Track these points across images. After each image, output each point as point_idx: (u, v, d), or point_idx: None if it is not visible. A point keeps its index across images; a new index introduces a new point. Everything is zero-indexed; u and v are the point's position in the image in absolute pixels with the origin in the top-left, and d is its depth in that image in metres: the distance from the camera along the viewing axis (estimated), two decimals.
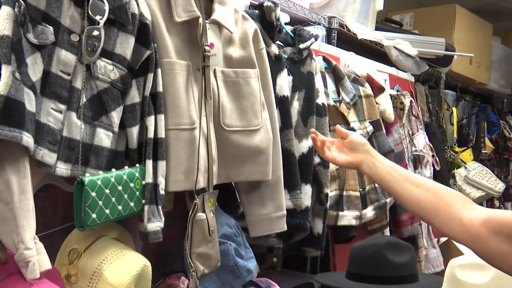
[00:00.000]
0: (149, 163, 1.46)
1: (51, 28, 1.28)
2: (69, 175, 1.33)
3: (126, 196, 1.41)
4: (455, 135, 3.71)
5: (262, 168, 1.75)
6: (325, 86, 2.24)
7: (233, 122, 1.69)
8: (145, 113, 1.48)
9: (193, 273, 1.55)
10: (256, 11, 1.95)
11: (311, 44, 2.09)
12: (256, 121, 1.73)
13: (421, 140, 2.96)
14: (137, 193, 1.44)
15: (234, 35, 1.74)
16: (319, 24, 2.51)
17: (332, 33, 2.59)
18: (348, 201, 2.26)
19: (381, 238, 1.92)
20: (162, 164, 1.48)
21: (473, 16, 3.85)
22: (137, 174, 1.44)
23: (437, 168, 3.09)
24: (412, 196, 1.26)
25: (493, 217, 1.12)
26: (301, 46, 2.05)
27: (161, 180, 1.48)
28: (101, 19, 1.35)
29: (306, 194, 1.97)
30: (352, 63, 2.57)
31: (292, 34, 2.13)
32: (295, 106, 2.00)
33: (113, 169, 1.40)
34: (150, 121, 1.47)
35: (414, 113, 2.98)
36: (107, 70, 1.39)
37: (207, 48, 1.62)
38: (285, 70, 1.97)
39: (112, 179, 1.37)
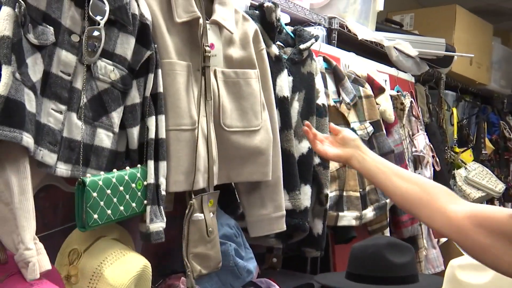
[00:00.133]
0: (151, 164, 1.46)
1: (51, 28, 1.28)
2: (69, 175, 1.33)
3: (127, 196, 1.41)
4: (455, 136, 3.71)
5: (262, 169, 1.75)
6: (326, 86, 2.24)
7: (233, 123, 1.69)
8: (145, 114, 1.48)
9: (189, 273, 1.55)
10: (257, 12, 1.95)
11: (311, 45, 2.09)
12: (256, 121, 1.73)
13: (421, 141, 2.96)
14: (139, 193, 1.44)
15: (235, 36, 1.74)
16: (319, 24, 2.51)
17: (332, 34, 2.59)
18: (348, 201, 2.26)
19: (381, 239, 1.92)
20: (163, 165, 1.48)
21: (474, 17, 3.85)
22: (138, 175, 1.44)
23: (437, 169, 3.09)
24: (400, 190, 1.28)
25: (477, 211, 1.15)
26: (302, 46, 2.05)
27: (163, 181, 1.48)
28: (101, 19, 1.35)
29: (305, 195, 1.97)
30: (353, 63, 2.58)
31: (292, 35, 2.13)
32: (295, 106, 2.00)
33: (115, 170, 1.40)
34: (151, 121, 1.47)
35: (414, 113, 2.98)
36: (107, 70, 1.39)
37: (207, 48, 1.62)
38: (285, 71, 1.97)
39: (114, 180, 1.37)
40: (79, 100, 1.34)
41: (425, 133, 3.06)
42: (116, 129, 1.42)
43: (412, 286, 1.69)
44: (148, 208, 1.44)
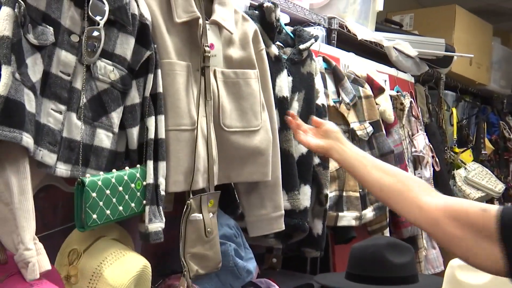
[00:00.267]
0: (150, 164, 1.46)
1: (51, 28, 1.28)
2: (69, 175, 1.33)
3: (127, 196, 1.41)
4: (455, 136, 3.71)
5: (262, 169, 1.75)
6: (325, 86, 2.24)
7: (233, 123, 1.69)
8: (145, 114, 1.48)
9: (185, 273, 1.54)
10: (256, 12, 1.95)
11: (311, 45, 2.09)
12: (256, 121, 1.73)
13: (421, 141, 2.96)
14: (138, 193, 1.44)
15: (234, 36, 1.74)
16: (319, 24, 2.51)
17: (332, 34, 2.59)
18: (348, 201, 2.26)
19: (381, 239, 1.92)
20: (162, 165, 1.48)
21: (473, 17, 3.85)
22: (138, 175, 1.44)
23: (437, 169, 3.09)
24: (377, 182, 1.30)
25: (452, 204, 1.16)
26: (301, 46, 2.05)
27: (162, 181, 1.48)
28: (101, 19, 1.35)
29: (305, 195, 1.97)
30: (352, 63, 2.57)
31: (292, 35, 2.13)
32: (295, 106, 2.00)
33: (114, 170, 1.40)
34: (151, 121, 1.47)
35: (414, 113, 2.98)
36: (107, 70, 1.39)
37: (207, 48, 1.62)
38: (285, 71, 1.97)
39: (113, 180, 1.37)
40: (79, 100, 1.34)
41: (425, 133, 3.06)
42: (116, 129, 1.42)
43: (412, 286, 1.69)
44: (147, 208, 1.44)
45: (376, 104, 2.51)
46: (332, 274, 2.25)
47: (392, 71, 2.96)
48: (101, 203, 1.34)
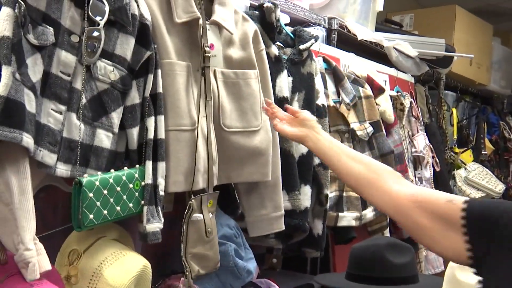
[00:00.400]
0: (149, 164, 1.46)
1: (51, 29, 1.28)
2: (69, 176, 1.33)
3: (125, 197, 1.41)
4: (455, 136, 3.71)
5: (262, 169, 1.75)
6: (325, 87, 2.24)
7: (233, 123, 1.69)
8: (145, 114, 1.48)
9: (187, 273, 1.55)
10: (256, 12, 1.95)
11: (311, 45, 2.09)
12: (256, 122, 1.73)
13: (421, 141, 2.96)
14: (136, 194, 1.44)
15: (234, 36, 1.74)
16: (319, 25, 2.51)
17: (332, 34, 2.59)
18: (348, 202, 2.26)
19: (381, 239, 1.92)
20: (162, 165, 1.48)
21: (473, 17, 3.85)
22: (136, 175, 1.44)
23: (437, 169, 3.09)
24: (349, 170, 1.34)
25: (419, 193, 1.20)
26: (301, 47, 2.05)
27: (161, 181, 1.48)
28: (101, 20, 1.35)
29: (305, 195, 1.97)
30: (352, 64, 2.57)
31: (292, 35, 2.13)
32: (295, 107, 2.00)
33: (112, 170, 1.40)
34: (150, 122, 1.47)
35: (414, 114, 2.98)
36: (107, 71, 1.39)
37: (207, 49, 1.62)
38: (285, 71, 1.97)
39: (111, 180, 1.37)
40: (79, 100, 1.34)
41: (425, 134, 3.06)
42: (116, 130, 1.42)
43: (412, 286, 1.69)
44: (145, 208, 1.44)
45: (376, 104, 2.51)
46: (332, 274, 2.25)
47: (392, 71, 2.96)
48: (98, 203, 1.34)
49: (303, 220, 1.94)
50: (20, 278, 1.20)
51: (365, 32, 2.75)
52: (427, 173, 2.97)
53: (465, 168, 3.55)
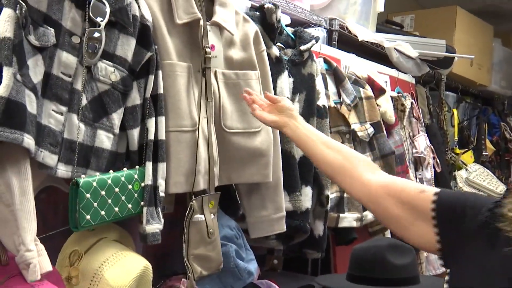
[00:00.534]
0: (149, 165, 1.46)
1: (52, 30, 1.28)
2: (70, 176, 1.33)
3: (123, 197, 1.40)
4: (456, 137, 3.71)
5: (263, 170, 1.75)
6: (326, 87, 2.24)
7: (234, 124, 1.69)
8: (145, 115, 1.48)
9: (189, 274, 1.54)
10: (257, 13, 1.95)
11: (311, 46, 2.09)
12: (257, 123, 1.73)
13: (422, 142, 2.96)
14: (136, 194, 1.44)
15: (235, 37, 1.74)
16: (320, 26, 2.51)
17: (333, 35, 2.59)
18: (349, 203, 2.26)
19: (382, 240, 1.92)
20: (162, 166, 1.48)
21: (474, 18, 3.85)
22: (136, 176, 1.44)
23: (438, 170, 3.09)
24: (325, 157, 1.37)
25: (392, 182, 1.23)
26: (302, 48, 2.05)
27: (161, 182, 1.48)
28: (102, 21, 1.35)
29: (306, 196, 1.97)
30: (353, 64, 2.58)
31: (293, 36, 2.13)
32: (296, 108, 2.00)
33: (111, 171, 1.40)
34: (151, 123, 1.47)
35: (415, 115, 2.98)
36: (108, 72, 1.39)
37: (208, 50, 1.62)
38: (286, 72, 1.97)
39: (109, 181, 1.37)
40: (80, 101, 1.34)
41: (426, 134, 3.06)
42: (117, 131, 1.42)
43: (413, 287, 1.69)
44: (145, 209, 1.44)
45: (377, 105, 2.51)
46: (333, 275, 2.24)
47: (393, 72, 2.96)
48: (95, 204, 1.34)
49: (304, 221, 1.94)
50: (21, 279, 1.20)
51: (366, 33, 2.75)
52: (428, 174, 2.97)
53: (466, 169, 3.55)
